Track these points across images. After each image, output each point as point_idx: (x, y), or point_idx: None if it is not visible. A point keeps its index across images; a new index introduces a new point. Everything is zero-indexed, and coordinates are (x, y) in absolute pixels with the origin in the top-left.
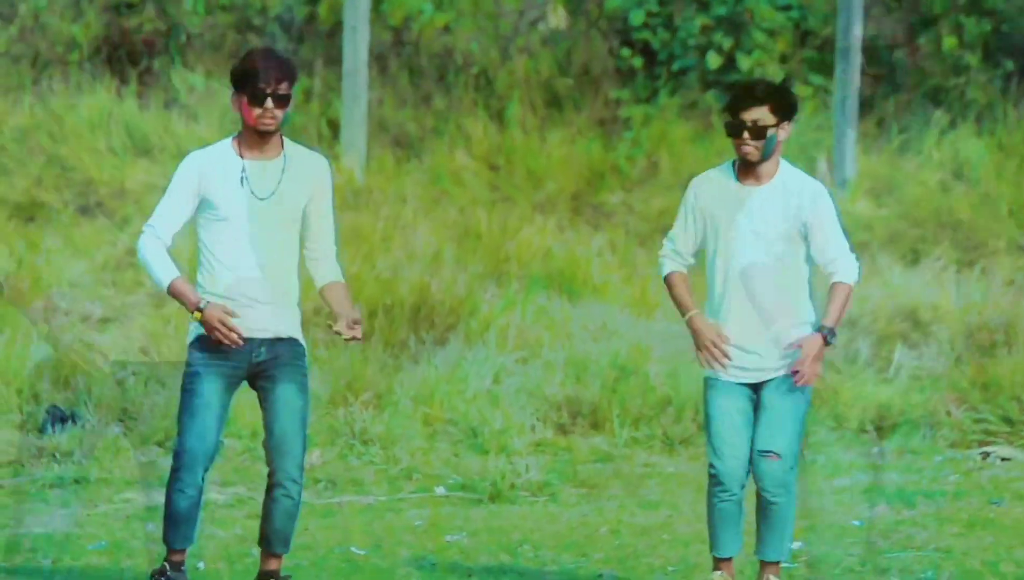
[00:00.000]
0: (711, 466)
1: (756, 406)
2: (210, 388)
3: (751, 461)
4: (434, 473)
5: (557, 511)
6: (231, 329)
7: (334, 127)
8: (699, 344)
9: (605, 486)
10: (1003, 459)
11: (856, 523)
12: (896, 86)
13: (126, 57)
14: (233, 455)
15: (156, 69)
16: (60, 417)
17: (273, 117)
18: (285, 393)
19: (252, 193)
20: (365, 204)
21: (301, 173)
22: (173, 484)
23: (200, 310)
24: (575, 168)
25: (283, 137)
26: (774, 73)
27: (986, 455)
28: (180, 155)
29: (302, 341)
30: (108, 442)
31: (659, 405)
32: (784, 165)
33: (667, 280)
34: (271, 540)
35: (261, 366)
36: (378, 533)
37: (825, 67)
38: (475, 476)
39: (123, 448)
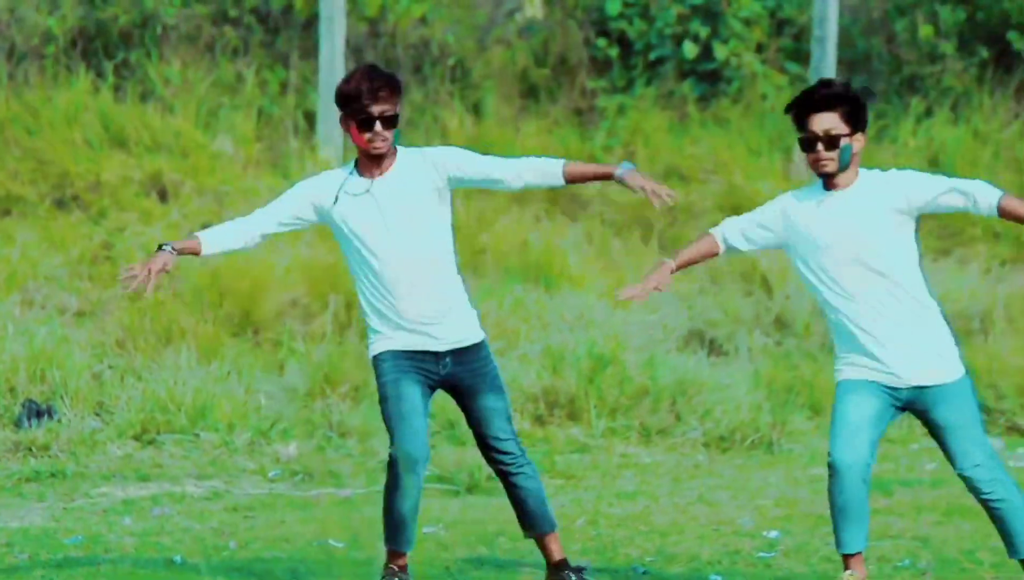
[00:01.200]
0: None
1: (925, 420)
2: (411, 391)
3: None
4: None
5: None
6: (138, 273)
7: (310, 119)
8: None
9: (582, 477)
10: None
11: None
12: (872, 74)
13: (102, 49)
14: (210, 448)
15: (132, 61)
16: (36, 411)
17: (385, 140)
18: (486, 402)
19: (380, 213)
20: None
21: (407, 173)
22: (396, 489)
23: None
24: None
25: (398, 149)
26: (749, 62)
27: None
28: (156, 147)
29: (485, 340)
30: (84, 436)
31: (636, 396)
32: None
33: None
34: (536, 523)
35: (450, 378)
36: (356, 526)
37: (801, 56)
38: (452, 468)
39: (100, 442)
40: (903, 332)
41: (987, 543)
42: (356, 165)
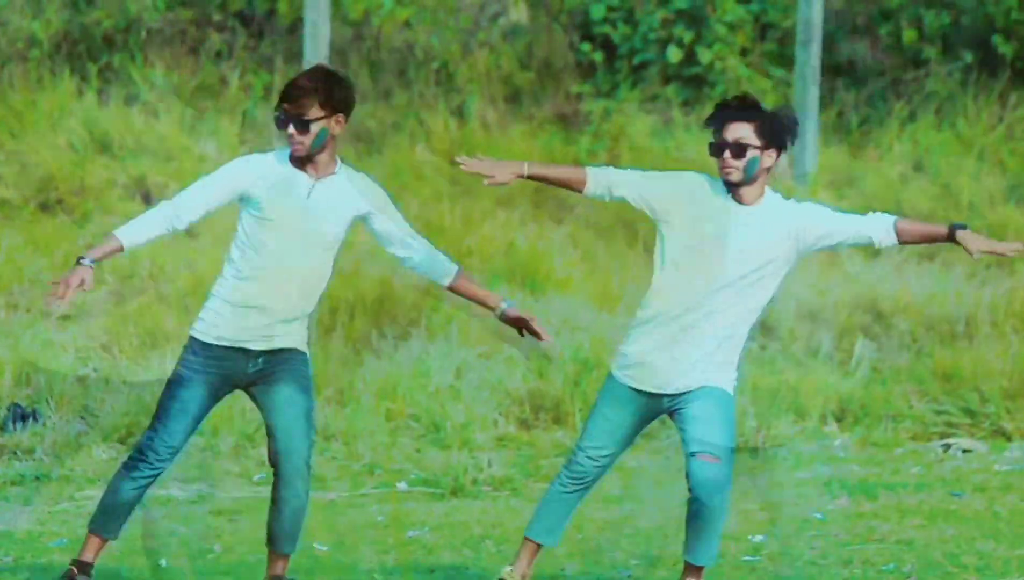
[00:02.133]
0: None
1: (675, 416)
2: (191, 395)
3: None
4: (396, 468)
5: (520, 506)
6: (59, 291)
7: None
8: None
9: None
10: (964, 451)
11: (818, 515)
12: (856, 79)
13: (86, 53)
14: (195, 451)
15: (116, 65)
16: (21, 415)
17: (300, 143)
18: (286, 392)
19: (296, 203)
20: None
21: (338, 196)
22: (128, 473)
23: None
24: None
25: (339, 159)
26: (734, 66)
27: (947, 447)
28: (140, 151)
29: (306, 351)
30: (70, 439)
31: None
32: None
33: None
34: (279, 540)
35: (257, 375)
36: (340, 529)
37: (785, 60)
38: (437, 471)
39: (84, 445)
40: (695, 352)
41: (972, 547)
42: (291, 156)
